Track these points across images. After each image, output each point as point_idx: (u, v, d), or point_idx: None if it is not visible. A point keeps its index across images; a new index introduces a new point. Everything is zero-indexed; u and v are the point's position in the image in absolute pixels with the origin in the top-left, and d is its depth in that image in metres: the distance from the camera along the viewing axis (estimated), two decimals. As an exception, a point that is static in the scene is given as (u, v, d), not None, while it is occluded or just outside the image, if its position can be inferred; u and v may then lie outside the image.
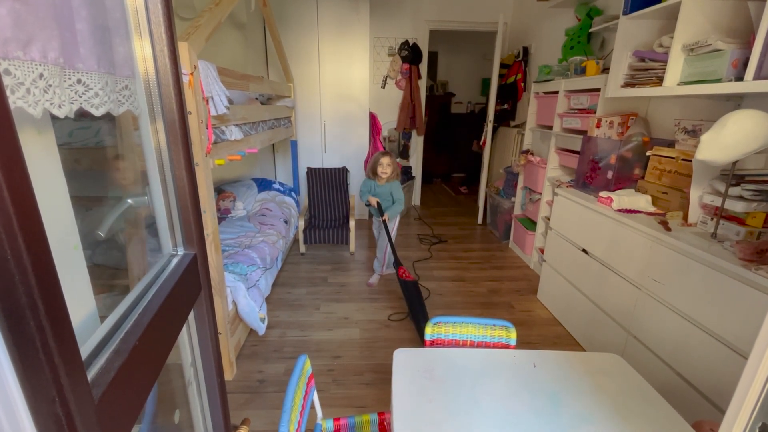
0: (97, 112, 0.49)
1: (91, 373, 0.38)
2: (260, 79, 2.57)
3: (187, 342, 0.77)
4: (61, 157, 0.50)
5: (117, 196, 0.88)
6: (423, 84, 4.56)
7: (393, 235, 2.78)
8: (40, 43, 0.38)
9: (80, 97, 0.46)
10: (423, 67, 4.48)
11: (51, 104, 0.41)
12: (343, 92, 3.95)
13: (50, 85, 0.40)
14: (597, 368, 1.11)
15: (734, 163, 1.40)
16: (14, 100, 0.36)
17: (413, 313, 2.30)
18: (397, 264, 2.60)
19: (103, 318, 0.52)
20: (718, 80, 1.47)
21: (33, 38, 0.37)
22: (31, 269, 0.27)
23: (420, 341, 2.18)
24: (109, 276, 0.93)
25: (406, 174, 4.49)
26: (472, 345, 1.29)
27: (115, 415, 0.38)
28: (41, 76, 0.39)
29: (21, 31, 0.36)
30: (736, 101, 1.68)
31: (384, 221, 2.70)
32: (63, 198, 0.49)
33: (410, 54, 4.32)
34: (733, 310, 1.27)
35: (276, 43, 3.37)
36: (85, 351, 0.40)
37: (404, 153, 4.84)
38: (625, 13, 1.98)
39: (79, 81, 0.46)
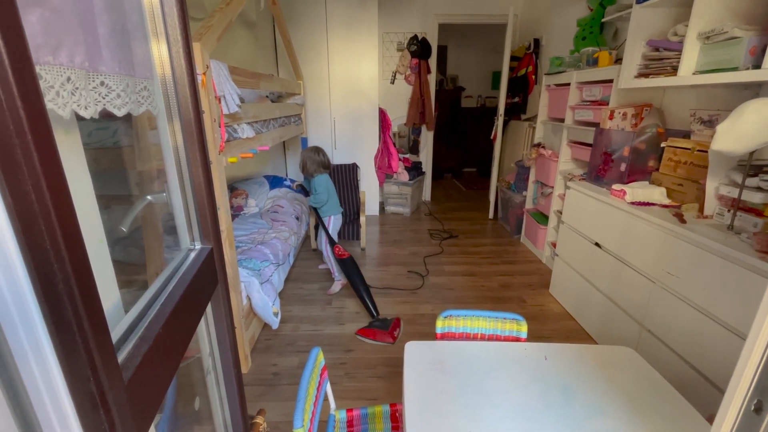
0: (119, 113, 0.52)
1: (120, 357, 0.40)
2: (270, 77, 2.60)
3: (206, 333, 0.80)
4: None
5: (135, 194, 0.91)
6: (432, 78, 4.54)
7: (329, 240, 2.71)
8: (67, 48, 0.41)
9: (103, 98, 0.49)
10: (432, 61, 4.46)
11: (78, 106, 0.43)
12: (353, 88, 3.96)
13: (77, 88, 0.43)
14: (609, 361, 1.10)
15: (752, 153, 1.37)
16: (45, 103, 0.38)
17: (355, 288, 2.40)
18: (332, 243, 2.59)
19: (125, 310, 0.55)
20: (735, 68, 1.44)
21: (61, 44, 0.40)
22: (68, 259, 0.29)
23: (367, 315, 2.34)
24: (128, 272, 0.97)
25: (416, 169, 4.48)
26: (483, 338, 1.30)
27: (143, 396, 0.41)
28: (69, 79, 0.41)
29: (50, 38, 0.38)
30: (754, 90, 1.64)
31: (312, 207, 2.69)
32: (89, 194, 0.52)
33: (419, 48, 4.30)
34: (749, 302, 1.25)
35: (285, 41, 3.40)
36: (113, 337, 0.42)
37: (414, 148, 4.84)
38: (638, 2, 1.94)
39: (102, 83, 0.48)
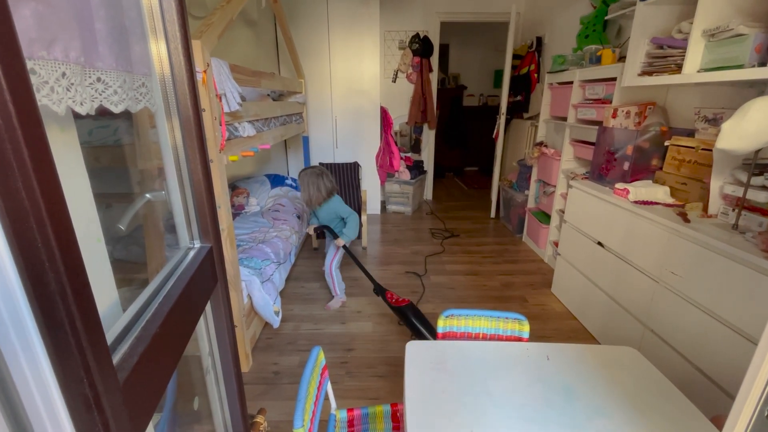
0: (116, 109, 0.51)
1: (116, 358, 0.40)
2: (272, 75, 2.60)
3: (205, 333, 0.79)
4: (82, 154, 0.52)
5: (135, 192, 0.91)
6: (434, 77, 4.52)
7: (336, 258, 2.39)
8: (62, 43, 0.40)
9: (100, 94, 0.48)
10: (434, 60, 4.44)
11: (73, 102, 0.42)
12: (354, 87, 3.95)
13: (72, 84, 0.42)
14: (612, 361, 1.09)
15: (757, 151, 1.36)
16: (39, 98, 0.38)
17: (421, 337, 1.97)
18: (382, 290, 2.21)
19: (124, 309, 0.54)
20: (741, 66, 1.42)
21: (56, 38, 0.39)
22: (60, 257, 0.28)
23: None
24: (129, 270, 0.96)
25: (417, 168, 4.47)
26: (485, 338, 1.29)
27: (139, 397, 0.40)
28: (64, 74, 0.41)
29: (44, 32, 0.38)
30: (760, 88, 1.62)
31: (345, 246, 2.32)
32: (86, 192, 0.51)
33: (421, 47, 4.29)
34: (754, 302, 1.24)
35: (287, 39, 3.39)
36: (109, 337, 0.42)
37: (416, 147, 4.83)
38: (642, -1, 1.92)
39: (98, 79, 0.48)
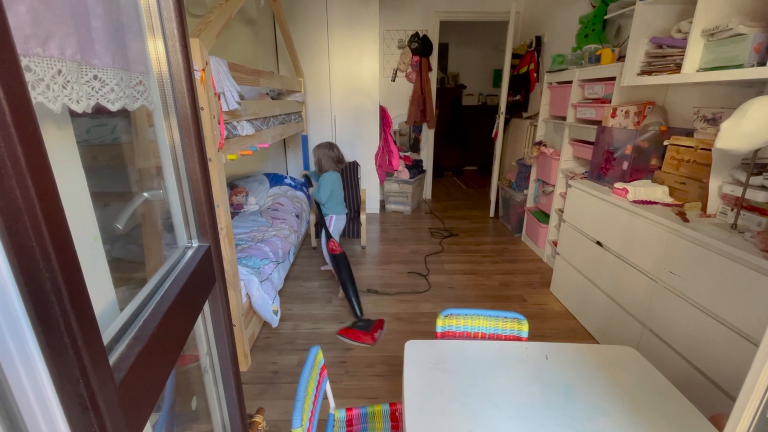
0: (113, 107, 0.51)
1: (112, 358, 0.39)
2: (271, 74, 2.59)
3: (203, 332, 0.79)
4: (80, 153, 0.52)
5: (133, 191, 0.90)
6: (434, 76, 4.52)
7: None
8: (58, 40, 0.40)
9: (97, 92, 0.48)
10: (434, 59, 4.44)
11: (69, 99, 0.42)
12: (354, 86, 3.94)
13: (68, 81, 0.41)
14: (611, 361, 1.09)
15: (756, 151, 1.36)
16: (35, 96, 0.37)
17: (343, 286, 2.36)
18: (328, 236, 2.58)
19: (121, 309, 0.54)
20: (740, 66, 1.42)
21: (51, 35, 0.39)
22: (55, 256, 0.28)
23: (353, 315, 2.29)
24: (128, 269, 0.96)
25: (416, 167, 4.47)
26: (484, 337, 1.29)
27: (136, 397, 0.40)
28: (60, 72, 0.40)
29: (40, 29, 0.37)
30: (759, 87, 1.62)
31: (321, 213, 2.71)
32: (82, 190, 0.50)
33: (420, 46, 4.29)
34: (753, 302, 1.24)
35: (286, 38, 3.38)
36: (106, 337, 0.41)
37: (415, 146, 4.82)
38: (641, -1, 1.92)
39: (95, 77, 0.47)
